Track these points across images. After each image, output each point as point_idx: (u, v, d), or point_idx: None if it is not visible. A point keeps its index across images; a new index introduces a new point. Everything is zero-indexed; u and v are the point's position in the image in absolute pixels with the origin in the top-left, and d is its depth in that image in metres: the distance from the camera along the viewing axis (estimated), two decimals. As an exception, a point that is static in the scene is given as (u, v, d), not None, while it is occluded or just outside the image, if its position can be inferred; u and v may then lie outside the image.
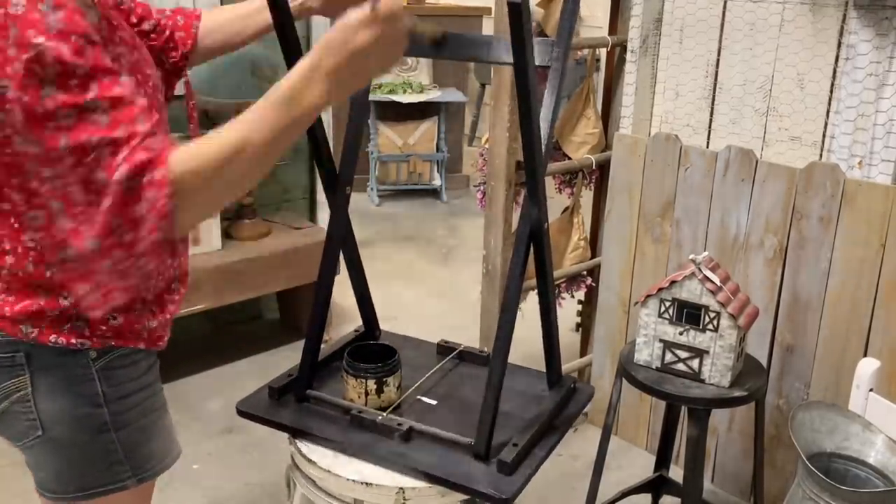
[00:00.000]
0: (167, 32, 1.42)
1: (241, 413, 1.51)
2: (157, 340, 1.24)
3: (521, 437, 1.38)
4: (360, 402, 1.47)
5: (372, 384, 1.46)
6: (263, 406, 1.51)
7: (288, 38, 1.30)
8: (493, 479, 1.31)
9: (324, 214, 3.44)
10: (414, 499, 1.34)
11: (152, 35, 1.41)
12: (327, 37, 1.02)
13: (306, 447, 1.42)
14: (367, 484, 1.33)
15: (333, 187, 1.50)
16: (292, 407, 1.49)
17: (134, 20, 1.37)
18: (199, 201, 1.01)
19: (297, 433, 1.45)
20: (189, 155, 0.99)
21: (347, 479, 1.34)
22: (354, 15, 1.00)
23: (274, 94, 1.02)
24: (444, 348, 1.73)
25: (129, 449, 1.23)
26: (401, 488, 1.33)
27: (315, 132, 1.45)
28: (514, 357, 1.42)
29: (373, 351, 1.52)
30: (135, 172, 0.95)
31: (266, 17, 1.41)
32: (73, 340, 1.14)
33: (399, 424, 1.40)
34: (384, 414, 1.44)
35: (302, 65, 1.02)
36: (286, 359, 3.09)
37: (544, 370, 1.60)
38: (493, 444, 1.35)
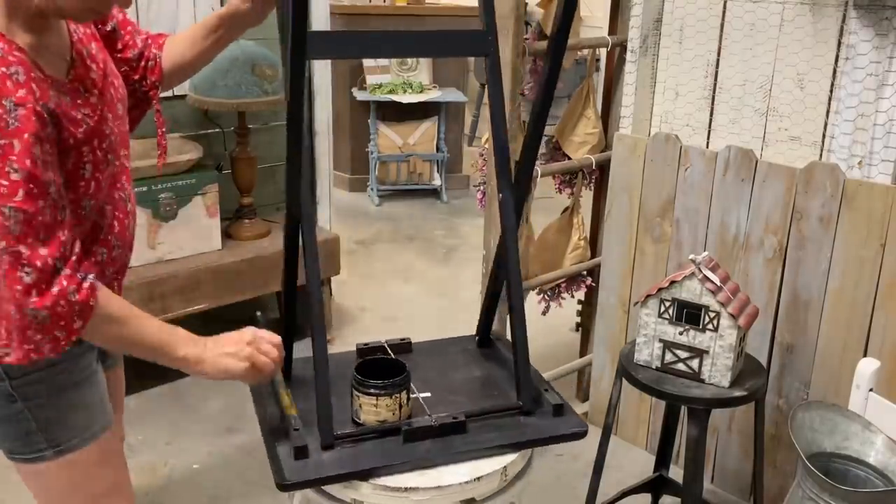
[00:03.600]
0: (143, 62, 1.47)
1: (288, 487, 1.29)
2: None
3: (539, 387, 1.50)
4: (394, 417, 1.39)
5: (404, 396, 1.40)
6: (301, 469, 1.31)
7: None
8: (562, 422, 1.44)
9: (323, 214, 3.44)
10: (511, 469, 1.38)
11: (133, 64, 1.45)
12: (214, 357, 1.30)
13: (388, 481, 1.31)
14: (477, 479, 1.33)
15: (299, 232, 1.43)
16: (331, 454, 1.33)
17: (119, 46, 1.43)
18: (97, 335, 1.22)
19: (367, 475, 1.31)
20: (109, 310, 1.20)
21: (459, 484, 1.32)
22: (238, 365, 1.31)
23: (168, 341, 1.28)
24: (364, 350, 1.64)
25: (42, 422, 1.28)
26: (504, 466, 1.36)
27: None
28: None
29: (369, 367, 1.44)
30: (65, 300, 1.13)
31: (212, 40, 1.49)
32: None
33: (454, 418, 1.40)
34: (432, 415, 1.41)
35: (189, 359, 1.29)
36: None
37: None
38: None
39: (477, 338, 1.74)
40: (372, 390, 1.37)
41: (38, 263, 1.11)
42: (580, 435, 1.43)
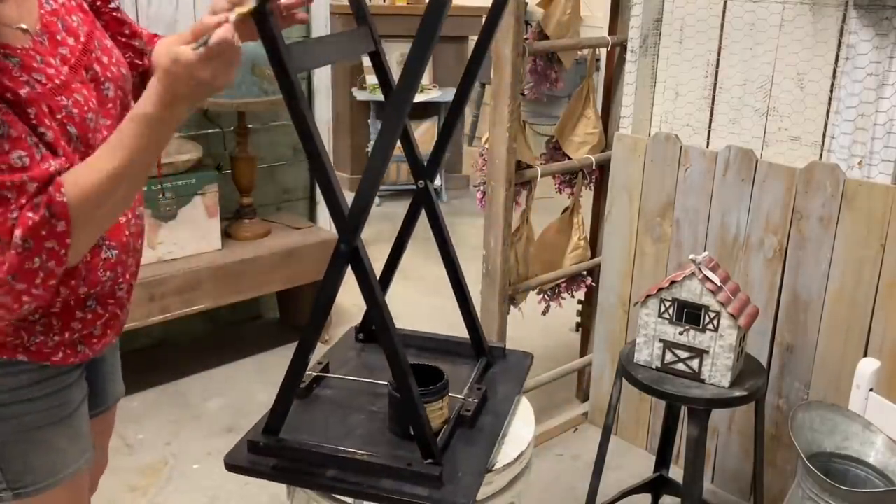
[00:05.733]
0: (145, 59, 1.40)
1: None
2: (49, 356, 1.19)
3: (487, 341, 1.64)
4: (451, 412, 1.40)
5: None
6: (454, 491, 1.26)
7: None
8: (515, 359, 1.63)
9: (323, 214, 3.44)
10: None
11: (138, 55, 1.38)
12: (171, 70, 1.06)
13: (498, 461, 1.37)
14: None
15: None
16: (447, 468, 1.29)
17: (127, 32, 1.37)
18: (90, 228, 1.10)
19: (489, 467, 1.36)
20: (80, 186, 1.06)
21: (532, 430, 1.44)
22: (191, 53, 1.06)
23: (140, 121, 1.09)
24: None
25: (5, 462, 1.19)
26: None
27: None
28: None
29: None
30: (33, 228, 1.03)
31: None
32: None
33: (478, 389, 1.47)
34: (466, 399, 1.44)
35: (157, 96, 1.08)
36: (286, 359, 3.09)
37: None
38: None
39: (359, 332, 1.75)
40: (439, 395, 1.37)
41: None
42: (531, 358, 1.65)
